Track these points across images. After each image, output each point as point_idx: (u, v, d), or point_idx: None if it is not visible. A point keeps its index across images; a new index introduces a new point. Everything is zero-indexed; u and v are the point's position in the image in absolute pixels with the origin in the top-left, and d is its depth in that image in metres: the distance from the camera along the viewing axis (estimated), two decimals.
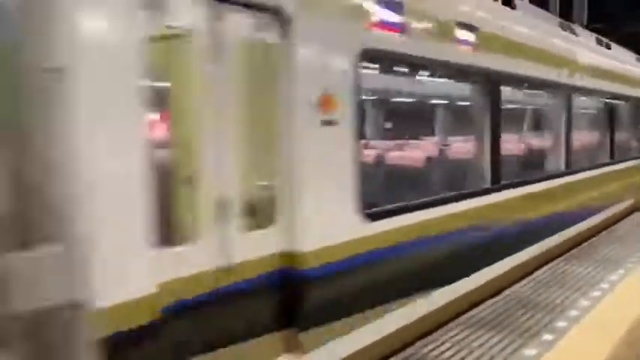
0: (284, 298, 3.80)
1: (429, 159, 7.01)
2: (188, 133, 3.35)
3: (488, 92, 6.47)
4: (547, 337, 4.82)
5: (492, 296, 5.97)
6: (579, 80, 8.91)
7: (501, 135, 6.59)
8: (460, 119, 6.98)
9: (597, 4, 27.74)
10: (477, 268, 6.07)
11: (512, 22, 7.26)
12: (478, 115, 6.49)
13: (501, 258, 6.57)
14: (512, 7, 8.00)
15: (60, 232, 2.52)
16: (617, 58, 11.37)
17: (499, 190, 6.49)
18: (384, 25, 4.69)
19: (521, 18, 7.81)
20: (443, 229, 5.37)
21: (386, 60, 5.16)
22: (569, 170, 8.68)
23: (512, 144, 7.69)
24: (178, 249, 3.21)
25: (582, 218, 9.13)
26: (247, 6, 3.53)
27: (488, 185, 6.36)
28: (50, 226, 2.53)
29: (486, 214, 6.17)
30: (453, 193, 5.75)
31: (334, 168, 4.22)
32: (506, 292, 6.15)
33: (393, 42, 4.80)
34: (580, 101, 9.52)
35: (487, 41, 6.26)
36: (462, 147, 7.05)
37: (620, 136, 11.28)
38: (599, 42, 10.97)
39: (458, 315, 5.40)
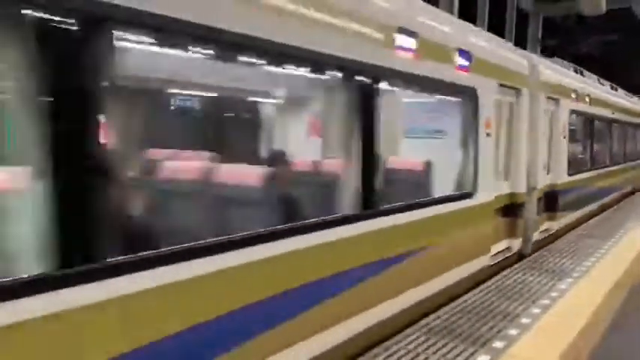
0: (550, 200, 10.07)
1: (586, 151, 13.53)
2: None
3: (590, 123, 13.39)
4: (498, 344, 4.94)
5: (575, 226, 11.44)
6: (613, 114, 15.52)
7: (598, 143, 14.10)
8: (593, 136, 13.69)
9: (551, 23, 28.75)
10: (594, 201, 13.43)
11: (593, 87, 13.76)
12: (594, 134, 13.76)
13: (599, 199, 13.90)
14: (584, 75, 13.71)
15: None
16: (621, 97, 17.64)
17: (596, 169, 13.70)
18: (577, 100, 11.62)
19: (592, 83, 14.09)
20: (586, 183, 12.53)
21: (576, 114, 11.75)
22: (612, 163, 15.57)
23: (599, 147, 14.47)
24: (546, 177, 10.01)
25: (619, 189, 16.48)
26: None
27: (589, 167, 13.21)
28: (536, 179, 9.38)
29: (594, 179, 13.42)
30: (587, 167, 12.97)
31: (564, 156, 10.77)
32: (460, 300, 6.27)
33: (579, 107, 11.82)
34: (615, 127, 16.17)
35: (592, 100, 12.99)
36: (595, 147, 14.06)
37: (631, 145, 18.91)
38: (612, 87, 16.71)
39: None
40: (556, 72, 10.90)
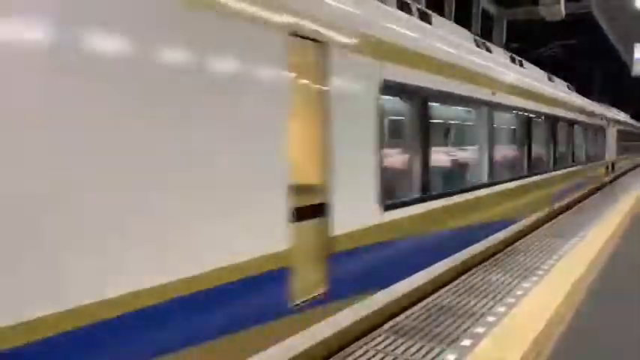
0: (612, 165, 24.61)
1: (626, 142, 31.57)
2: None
3: (620, 134, 28.35)
4: (466, 342, 5.02)
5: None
6: (619, 125, 27.81)
7: (622, 142, 29.71)
8: (621, 139, 29.40)
9: (515, 26, 29.32)
10: (622, 169, 29.59)
11: (615, 114, 28.12)
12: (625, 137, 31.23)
13: (624, 168, 30.54)
14: (613, 107, 28.65)
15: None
16: (625, 116, 33.61)
17: (621, 154, 29.44)
18: (617, 124, 26.93)
19: (618, 112, 29.91)
20: (620, 160, 27.62)
21: (617, 131, 26.79)
22: (625, 153, 31.32)
23: (622, 144, 29.92)
24: (611, 156, 25.04)
25: (630, 165, 33.99)
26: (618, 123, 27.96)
27: (620, 153, 29.06)
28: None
29: (622, 159, 30.05)
30: (619, 153, 28.58)
31: (614, 148, 25.31)
32: (428, 300, 6.35)
33: (617, 127, 26.66)
34: (628, 134, 32.64)
35: (620, 123, 28.25)
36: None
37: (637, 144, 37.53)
38: (619, 111, 30.91)
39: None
40: (612, 111, 24.71)
